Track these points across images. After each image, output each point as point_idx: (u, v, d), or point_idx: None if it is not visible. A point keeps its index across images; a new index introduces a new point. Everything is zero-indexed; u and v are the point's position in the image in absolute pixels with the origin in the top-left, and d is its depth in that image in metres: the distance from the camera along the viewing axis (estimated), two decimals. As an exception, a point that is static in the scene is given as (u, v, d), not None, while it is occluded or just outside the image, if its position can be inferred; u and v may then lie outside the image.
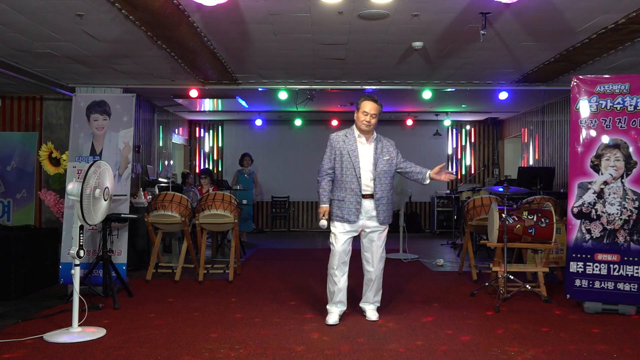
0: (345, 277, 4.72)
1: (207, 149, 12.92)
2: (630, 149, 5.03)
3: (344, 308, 4.77)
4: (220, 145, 12.94)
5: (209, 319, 4.75)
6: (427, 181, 4.80)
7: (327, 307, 4.75)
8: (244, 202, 8.87)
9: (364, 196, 4.63)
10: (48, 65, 6.46)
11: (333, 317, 4.65)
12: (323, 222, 4.66)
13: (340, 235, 4.65)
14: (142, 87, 7.70)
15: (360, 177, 4.62)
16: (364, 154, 4.67)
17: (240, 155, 10.30)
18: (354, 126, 4.76)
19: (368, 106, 4.63)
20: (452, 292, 5.92)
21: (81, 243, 4.46)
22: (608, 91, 5.12)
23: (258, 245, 10.06)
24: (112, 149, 6.18)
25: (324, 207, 4.70)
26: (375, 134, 4.75)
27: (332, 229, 4.71)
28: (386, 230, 4.78)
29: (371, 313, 4.76)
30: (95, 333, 4.26)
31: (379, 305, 4.85)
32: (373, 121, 4.65)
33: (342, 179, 4.65)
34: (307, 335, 4.27)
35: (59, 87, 7.47)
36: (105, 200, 4.60)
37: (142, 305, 5.28)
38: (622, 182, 5.04)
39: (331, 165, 4.71)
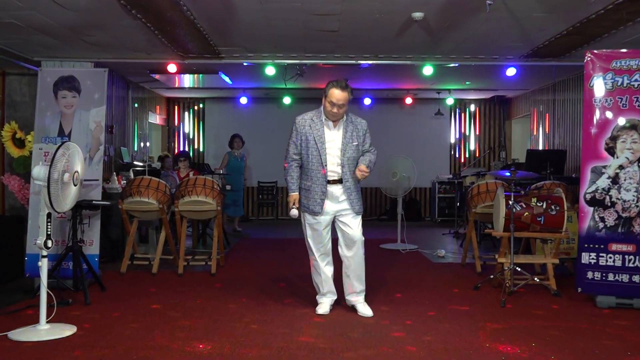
0: (330, 266, 4.85)
1: (187, 130, 12.85)
2: (648, 131, 5.05)
3: (335, 297, 4.92)
4: (201, 125, 12.89)
5: (189, 315, 4.76)
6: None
7: (317, 297, 4.92)
8: (228, 187, 8.85)
9: (332, 182, 4.68)
10: (11, 37, 6.37)
11: (324, 307, 4.81)
12: (294, 212, 4.72)
13: (311, 227, 4.75)
14: (115, 61, 7.63)
15: (326, 165, 4.65)
16: (331, 139, 4.69)
17: (229, 136, 10.24)
18: (322, 108, 4.73)
19: (336, 95, 4.53)
20: (455, 285, 5.96)
21: (49, 232, 4.44)
22: (625, 67, 5.12)
23: (243, 234, 10.06)
24: (82, 129, 6.14)
25: (294, 195, 4.77)
26: (345, 116, 4.73)
27: (302, 220, 4.81)
28: (360, 216, 4.79)
29: (363, 308, 4.78)
30: (64, 331, 4.26)
31: (364, 294, 4.86)
32: (341, 111, 4.62)
33: (308, 166, 4.71)
34: (296, 333, 4.28)
35: (23, 60, 7.38)
36: (75, 186, 4.57)
37: (116, 300, 5.28)
38: (638, 166, 5.06)
39: (297, 150, 4.75)
